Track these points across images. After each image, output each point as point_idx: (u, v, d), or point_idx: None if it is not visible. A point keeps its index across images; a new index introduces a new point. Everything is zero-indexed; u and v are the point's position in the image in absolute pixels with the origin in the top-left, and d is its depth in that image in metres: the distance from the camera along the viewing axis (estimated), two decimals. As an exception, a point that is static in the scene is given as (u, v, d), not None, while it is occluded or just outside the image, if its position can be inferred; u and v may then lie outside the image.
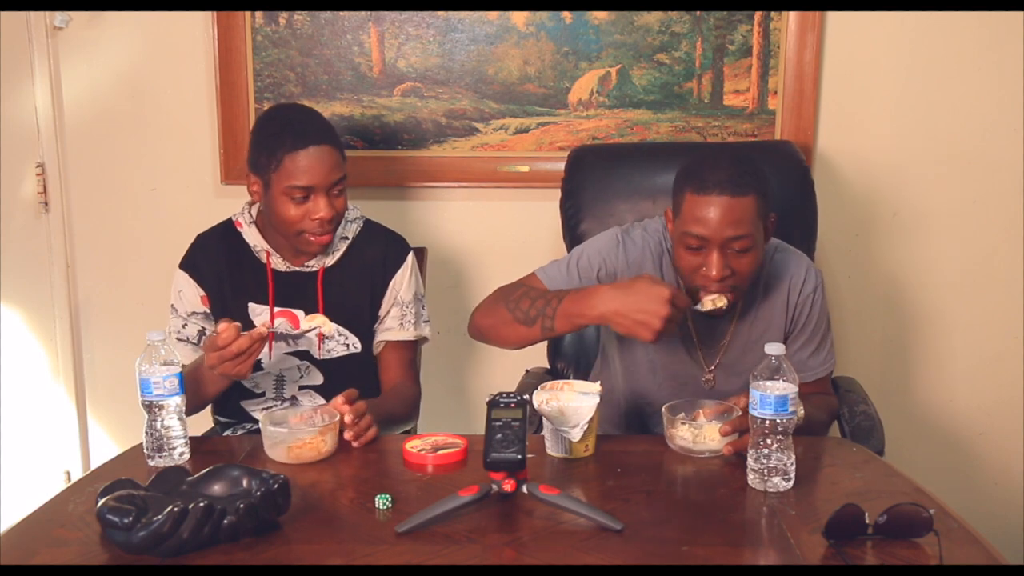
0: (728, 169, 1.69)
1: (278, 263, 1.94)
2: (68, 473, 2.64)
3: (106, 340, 2.63)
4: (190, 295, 1.94)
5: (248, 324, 1.89)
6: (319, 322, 1.82)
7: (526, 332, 1.75)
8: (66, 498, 1.50)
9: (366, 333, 1.99)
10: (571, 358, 2.27)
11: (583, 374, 2.17)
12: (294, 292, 1.93)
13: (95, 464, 2.02)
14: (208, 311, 1.94)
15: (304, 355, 1.96)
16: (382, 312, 1.99)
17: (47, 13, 2.44)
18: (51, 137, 2.51)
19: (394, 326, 1.99)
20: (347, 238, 1.96)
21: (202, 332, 1.95)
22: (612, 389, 1.94)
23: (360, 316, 1.98)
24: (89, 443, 2.67)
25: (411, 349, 2.04)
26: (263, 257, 1.94)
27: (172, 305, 1.96)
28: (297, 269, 1.95)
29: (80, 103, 2.51)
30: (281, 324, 1.92)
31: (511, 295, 1.79)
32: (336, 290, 1.94)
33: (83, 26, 2.46)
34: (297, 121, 1.86)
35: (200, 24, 2.45)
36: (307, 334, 1.91)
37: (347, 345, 1.96)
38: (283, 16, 2.43)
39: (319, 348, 1.94)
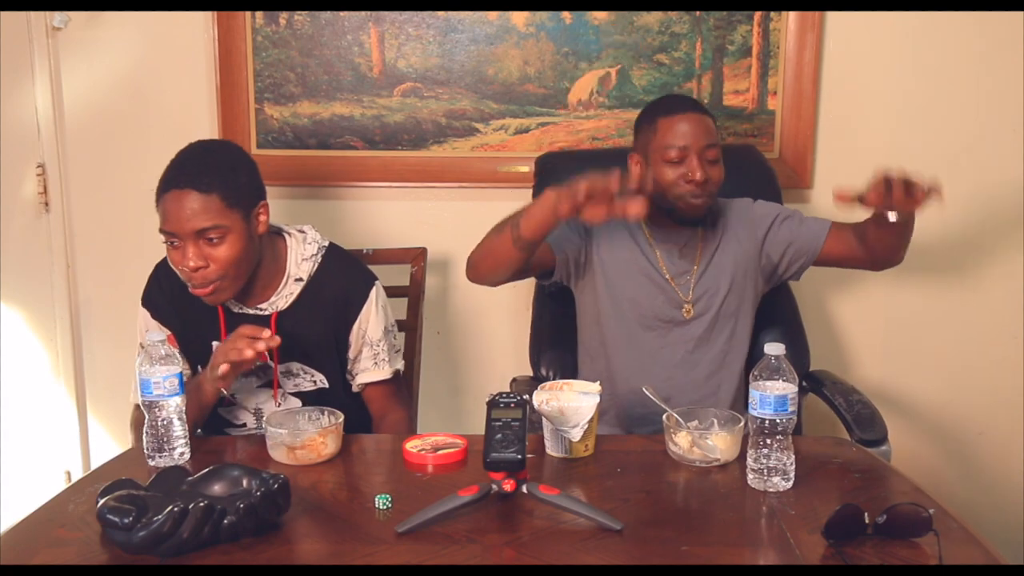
0: (687, 99, 2.07)
1: (230, 303, 1.86)
2: (68, 473, 2.64)
3: (106, 340, 2.63)
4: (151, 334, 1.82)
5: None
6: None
7: (501, 242, 1.84)
8: (66, 498, 1.50)
9: (332, 370, 1.92)
10: (555, 363, 2.22)
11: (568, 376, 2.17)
12: None
13: (95, 464, 2.02)
14: (177, 351, 1.76)
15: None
16: (352, 353, 1.93)
17: (47, 13, 2.43)
18: (51, 137, 2.51)
19: (369, 367, 1.94)
20: (301, 279, 1.87)
21: None
22: (606, 379, 1.99)
23: (323, 355, 1.90)
24: (89, 443, 2.67)
25: (393, 381, 1.98)
26: None
27: (141, 344, 1.89)
28: (250, 311, 1.86)
29: (80, 103, 2.51)
30: None
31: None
32: (293, 333, 1.84)
33: (83, 26, 2.45)
34: (177, 162, 1.76)
35: (200, 24, 2.45)
36: (268, 369, 1.85)
37: (314, 381, 1.91)
38: (283, 16, 2.43)
39: (275, 387, 1.88)
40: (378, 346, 1.93)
